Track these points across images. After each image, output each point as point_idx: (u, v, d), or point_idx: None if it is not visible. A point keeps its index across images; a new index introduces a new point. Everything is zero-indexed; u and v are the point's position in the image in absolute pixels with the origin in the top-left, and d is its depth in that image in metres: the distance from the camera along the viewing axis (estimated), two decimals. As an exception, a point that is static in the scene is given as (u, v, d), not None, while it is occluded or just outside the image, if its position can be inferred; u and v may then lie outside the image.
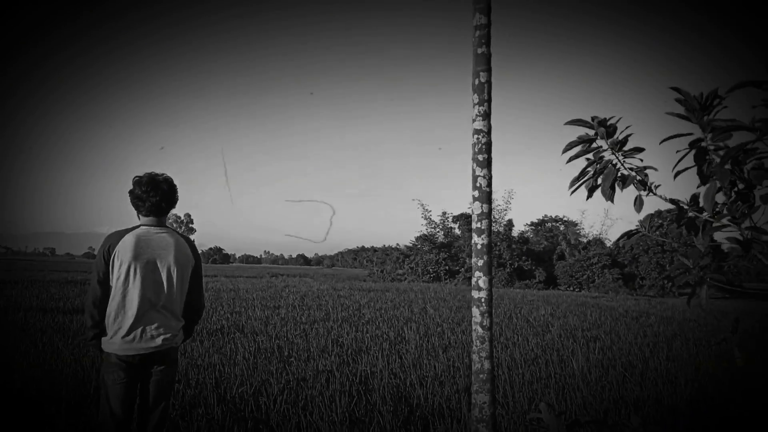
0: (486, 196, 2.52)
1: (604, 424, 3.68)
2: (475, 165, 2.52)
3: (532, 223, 57.96)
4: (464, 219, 53.08)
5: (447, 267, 49.72)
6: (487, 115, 2.53)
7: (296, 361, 6.71)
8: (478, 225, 2.51)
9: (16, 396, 4.62)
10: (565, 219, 56.29)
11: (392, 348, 7.95)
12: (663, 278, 45.21)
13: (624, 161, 3.10)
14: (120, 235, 2.87)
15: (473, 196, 2.53)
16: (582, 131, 2.59)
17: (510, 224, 52.88)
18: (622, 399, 5.34)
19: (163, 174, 2.98)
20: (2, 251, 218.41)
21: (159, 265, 2.88)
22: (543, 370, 6.58)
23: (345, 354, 7.27)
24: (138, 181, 2.96)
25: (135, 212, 2.98)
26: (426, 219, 54.58)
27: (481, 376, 2.47)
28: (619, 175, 2.91)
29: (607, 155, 3.02)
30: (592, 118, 3.07)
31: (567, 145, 3.01)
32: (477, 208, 2.51)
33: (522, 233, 55.67)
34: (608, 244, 50.61)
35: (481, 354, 2.47)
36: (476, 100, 2.53)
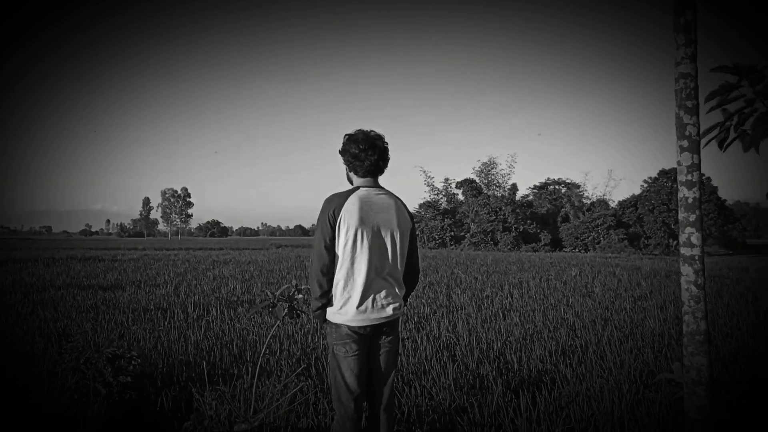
0: (696, 146, 2.34)
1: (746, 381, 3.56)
2: (682, 112, 2.34)
3: (535, 187, 57.86)
4: (468, 185, 52.88)
5: (452, 233, 49.77)
6: (693, 58, 2.33)
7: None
8: (689, 177, 2.33)
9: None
10: (568, 181, 56.17)
11: (452, 314, 7.87)
12: (668, 237, 45.49)
13: (774, 109, 2.90)
14: (343, 197, 2.65)
15: (681, 146, 2.34)
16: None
17: (514, 188, 52.79)
18: (718, 354, 5.27)
19: (373, 131, 2.77)
20: (1, 230, 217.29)
21: (383, 229, 2.67)
22: (619, 330, 6.51)
23: (409, 322, 7.18)
24: (353, 139, 2.73)
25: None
26: (429, 186, 54.35)
27: (697, 337, 2.34)
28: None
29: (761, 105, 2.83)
30: (735, 65, 2.87)
31: (710, 94, 2.82)
32: (686, 159, 2.33)
33: (525, 197, 55.66)
34: (612, 204, 50.71)
35: (696, 314, 2.34)
36: (682, 41, 2.33)
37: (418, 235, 50.83)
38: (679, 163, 2.38)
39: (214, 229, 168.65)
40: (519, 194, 54.19)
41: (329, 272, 2.67)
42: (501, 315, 7.75)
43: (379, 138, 2.76)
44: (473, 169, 54.29)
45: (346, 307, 2.64)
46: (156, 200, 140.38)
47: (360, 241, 2.61)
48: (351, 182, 2.84)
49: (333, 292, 2.69)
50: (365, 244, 2.60)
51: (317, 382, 4.38)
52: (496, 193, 52.45)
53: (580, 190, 54.61)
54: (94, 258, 23.14)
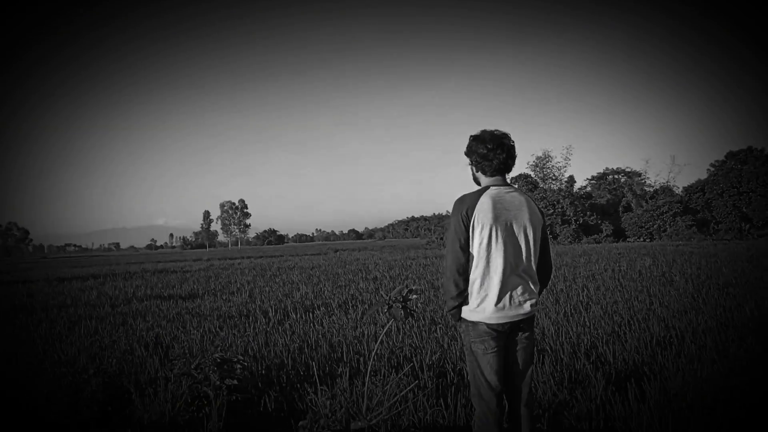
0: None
1: None
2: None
3: (593, 177, 56.27)
4: (523, 179, 51.88)
5: (510, 228, 48.93)
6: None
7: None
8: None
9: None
10: (627, 170, 54.36)
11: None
12: (741, 221, 43.24)
13: None
14: (475, 197, 2.69)
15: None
16: None
17: (571, 180, 51.44)
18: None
19: (498, 130, 2.79)
20: (74, 249, 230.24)
21: (515, 227, 2.68)
22: (714, 319, 6.23)
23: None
24: (480, 139, 2.76)
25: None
26: (483, 181, 53.67)
27: None
28: None
29: None
30: None
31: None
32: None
33: (583, 188, 54.19)
34: (677, 191, 48.67)
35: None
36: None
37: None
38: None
39: (271, 237, 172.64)
40: (576, 186, 52.80)
41: (465, 272, 2.67)
42: (581, 308, 7.55)
43: (506, 136, 2.76)
44: (527, 163, 52.94)
45: (484, 304, 2.64)
46: (215, 213, 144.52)
47: (495, 239, 2.60)
48: (478, 183, 2.84)
49: (469, 291, 2.69)
50: (500, 242, 2.60)
51: (411, 379, 4.40)
52: (552, 186, 51.28)
53: (642, 178, 52.71)
54: (165, 270, 24.11)
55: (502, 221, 2.62)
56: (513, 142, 2.79)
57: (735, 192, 43.79)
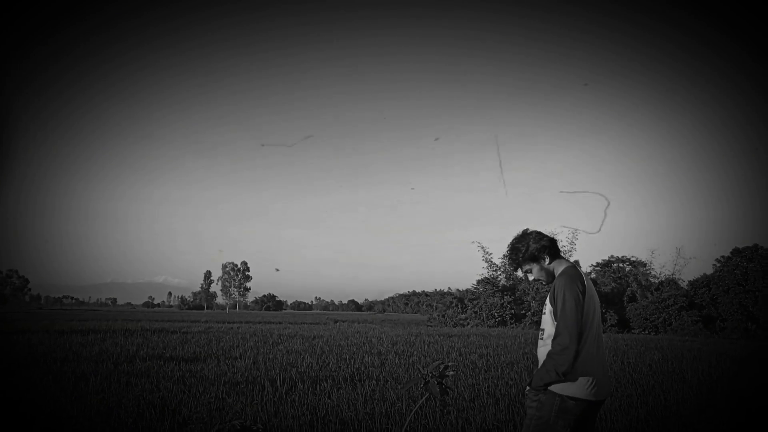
0: None
1: None
2: None
3: (598, 264, 56.13)
4: (528, 261, 51.80)
5: (512, 311, 48.42)
6: None
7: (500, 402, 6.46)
8: None
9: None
10: (633, 259, 54.31)
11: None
12: (747, 320, 42.66)
13: None
14: (579, 271, 2.76)
15: None
16: None
17: (576, 265, 51.45)
18: None
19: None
20: (70, 301, 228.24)
21: (598, 308, 2.78)
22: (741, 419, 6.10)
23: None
24: (533, 237, 2.95)
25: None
26: (487, 262, 53.60)
27: None
28: None
29: None
30: None
31: None
32: None
33: (587, 274, 53.81)
34: (682, 284, 48.33)
35: None
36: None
37: (476, 312, 49.80)
38: None
39: (270, 302, 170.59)
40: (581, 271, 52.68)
41: (579, 343, 2.62)
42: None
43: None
44: (531, 245, 53.09)
45: (579, 380, 2.62)
46: (217, 274, 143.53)
47: (592, 315, 2.66)
48: (552, 274, 2.89)
49: None
50: (596, 319, 2.67)
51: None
52: (557, 270, 51.07)
53: (647, 268, 52.53)
54: (164, 330, 23.79)
55: (594, 301, 2.70)
56: None
57: (741, 290, 43.46)
